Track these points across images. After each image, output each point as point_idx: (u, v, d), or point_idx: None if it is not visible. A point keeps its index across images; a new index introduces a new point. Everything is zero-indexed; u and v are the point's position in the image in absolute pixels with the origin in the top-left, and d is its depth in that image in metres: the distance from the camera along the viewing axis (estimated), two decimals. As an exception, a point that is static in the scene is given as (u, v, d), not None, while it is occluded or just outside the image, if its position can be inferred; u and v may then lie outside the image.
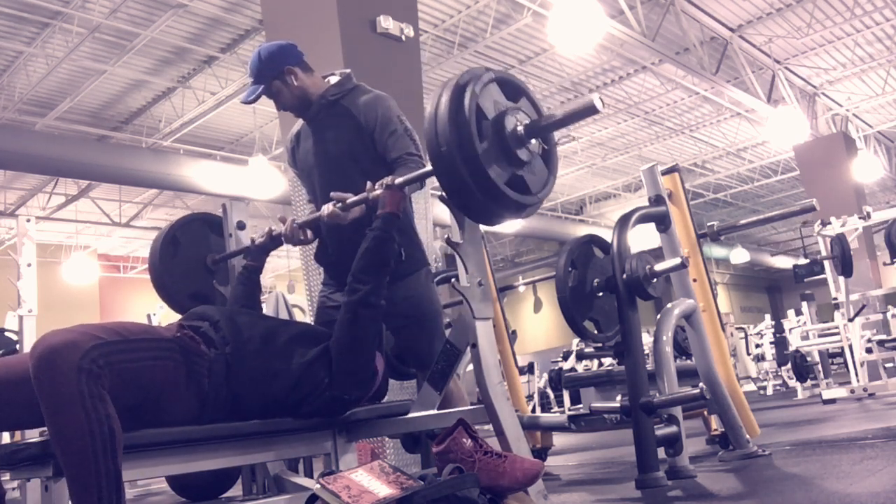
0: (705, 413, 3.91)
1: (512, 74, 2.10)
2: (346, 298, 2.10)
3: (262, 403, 1.97)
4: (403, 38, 4.29)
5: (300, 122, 2.75)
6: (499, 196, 1.93)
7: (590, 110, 1.92)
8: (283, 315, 4.38)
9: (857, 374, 7.08)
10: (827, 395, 6.94)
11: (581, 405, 10.87)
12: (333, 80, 2.63)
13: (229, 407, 1.91)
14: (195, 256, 2.94)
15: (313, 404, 2.04)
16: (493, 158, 1.92)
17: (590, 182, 14.95)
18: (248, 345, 1.96)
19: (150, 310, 9.36)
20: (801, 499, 2.10)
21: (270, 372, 1.98)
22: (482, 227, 2.21)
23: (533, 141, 2.00)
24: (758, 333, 12.58)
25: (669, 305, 3.21)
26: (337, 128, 2.53)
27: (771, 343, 11.73)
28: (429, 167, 2.07)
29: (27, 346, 5.02)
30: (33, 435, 1.63)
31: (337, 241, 2.50)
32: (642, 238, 3.69)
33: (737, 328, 11.79)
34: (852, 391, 6.82)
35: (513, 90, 2.08)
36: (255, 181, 10.01)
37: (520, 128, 1.96)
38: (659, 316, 3.16)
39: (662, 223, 3.41)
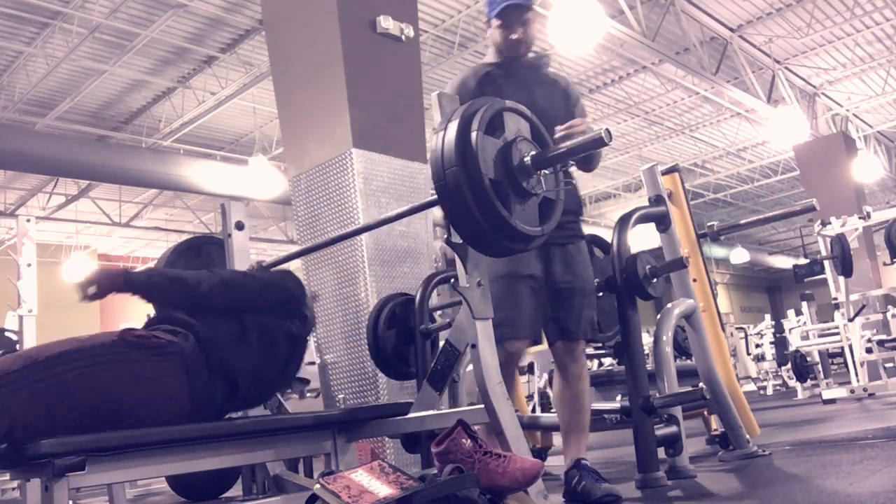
0: (705, 413, 3.91)
1: (519, 105, 2.07)
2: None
3: (242, 359, 2.03)
4: (403, 38, 4.29)
5: (475, 70, 2.75)
6: (504, 227, 1.90)
7: (597, 143, 1.90)
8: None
9: (857, 374, 7.08)
10: (827, 395, 6.94)
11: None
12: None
13: (219, 383, 1.94)
14: None
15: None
16: (499, 188, 1.90)
17: (590, 182, 14.95)
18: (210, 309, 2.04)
19: (150, 310, 9.34)
20: (801, 499, 2.10)
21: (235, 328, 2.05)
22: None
23: (541, 172, 1.97)
24: (758, 333, 12.59)
25: (669, 305, 3.21)
26: (546, 87, 2.71)
27: (771, 343, 11.73)
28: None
29: (27, 346, 5.02)
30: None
31: None
32: (642, 238, 3.69)
33: (737, 328, 11.79)
34: (852, 391, 6.82)
35: (519, 120, 2.05)
36: (255, 181, 10.02)
37: (527, 158, 1.94)
38: (659, 316, 3.16)
39: (662, 223, 3.40)
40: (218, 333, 1.99)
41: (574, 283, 2.67)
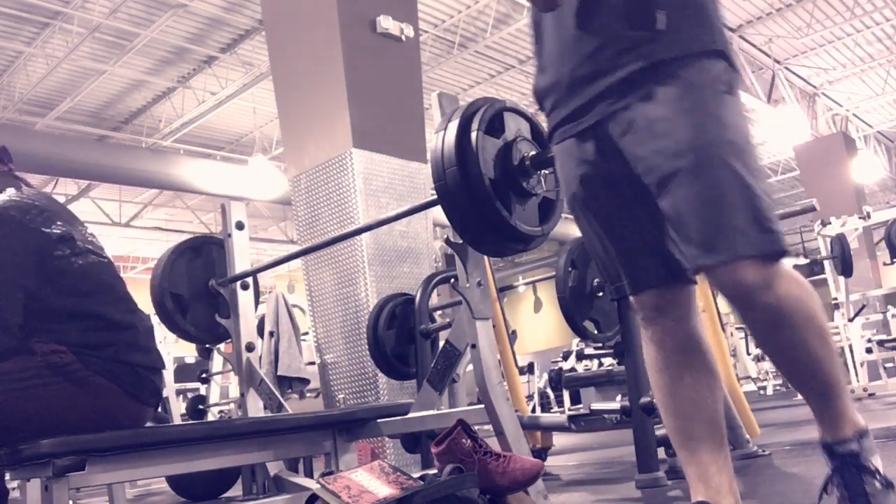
0: (705, 413, 3.90)
1: (519, 105, 2.07)
2: None
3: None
4: (403, 38, 4.29)
5: None
6: (504, 227, 1.90)
7: None
8: (283, 315, 4.38)
9: (857, 374, 7.08)
10: (827, 395, 6.93)
11: (581, 405, 10.86)
12: None
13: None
14: (199, 278, 2.93)
15: None
16: (499, 188, 1.89)
17: (590, 182, 14.94)
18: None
19: (149, 310, 9.34)
20: (801, 499, 2.10)
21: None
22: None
23: (540, 173, 1.96)
24: (758, 333, 12.55)
25: (669, 305, 3.20)
26: None
27: (771, 343, 11.68)
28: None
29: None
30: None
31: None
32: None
33: (737, 328, 11.76)
34: (852, 391, 6.82)
35: (519, 120, 2.05)
36: (255, 181, 10.02)
37: (527, 159, 1.94)
38: (659, 316, 3.15)
39: (662, 223, 3.39)
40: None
41: (669, 161, 1.37)
